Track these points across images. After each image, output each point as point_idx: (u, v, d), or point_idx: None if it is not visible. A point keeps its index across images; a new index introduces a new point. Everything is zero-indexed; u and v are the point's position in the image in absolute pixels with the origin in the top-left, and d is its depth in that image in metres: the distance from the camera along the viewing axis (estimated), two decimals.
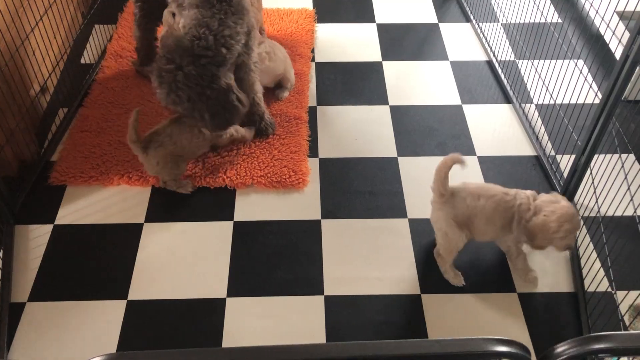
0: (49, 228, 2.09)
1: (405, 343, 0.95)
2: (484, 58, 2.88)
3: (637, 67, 1.77)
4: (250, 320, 1.85)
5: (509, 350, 0.96)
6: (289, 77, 2.59)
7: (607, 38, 2.75)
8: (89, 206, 2.17)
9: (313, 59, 2.84)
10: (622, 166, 1.91)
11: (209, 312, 1.87)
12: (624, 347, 0.96)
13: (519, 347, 0.97)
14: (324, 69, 2.79)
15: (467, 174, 2.20)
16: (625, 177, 1.88)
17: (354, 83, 2.72)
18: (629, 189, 1.83)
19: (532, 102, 2.61)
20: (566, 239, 1.80)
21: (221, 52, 1.92)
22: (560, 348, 0.98)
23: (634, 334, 0.97)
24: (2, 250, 1.98)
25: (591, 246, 2.02)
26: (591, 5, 2.42)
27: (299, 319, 1.86)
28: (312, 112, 2.57)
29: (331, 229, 2.12)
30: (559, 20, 3.06)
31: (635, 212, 1.85)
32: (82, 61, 2.79)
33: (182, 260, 2.01)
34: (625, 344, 0.96)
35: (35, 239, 2.06)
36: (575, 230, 1.79)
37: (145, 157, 2.07)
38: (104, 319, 1.84)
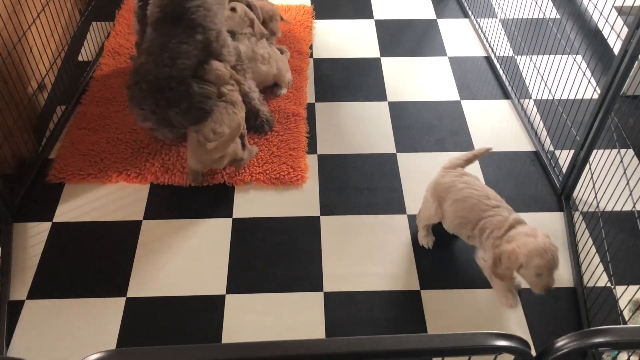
0: (47, 226, 2.09)
1: (405, 338, 0.95)
2: (483, 54, 2.88)
3: (636, 62, 1.77)
4: (249, 317, 1.85)
5: (509, 344, 0.96)
6: (283, 79, 2.57)
7: (605, 33, 2.74)
8: (87, 204, 2.16)
9: (311, 56, 2.84)
10: (621, 161, 1.92)
11: (208, 309, 1.87)
12: (623, 341, 0.96)
13: (519, 342, 0.97)
14: (322, 65, 2.79)
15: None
16: (624, 172, 1.88)
17: (353, 79, 2.72)
18: (627, 183, 1.83)
19: (530, 98, 2.61)
20: (543, 278, 1.66)
21: (163, 71, 2.03)
22: (560, 342, 0.98)
23: (634, 327, 0.97)
24: (0, 248, 1.97)
25: (590, 241, 2.02)
26: (589, 0, 2.42)
27: (298, 315, 1.86)
28: (311, 108, 2.57)
29: (330, 225, 2.11)
30: (558, 16, 3.06)
31: (634, 207, 1.85)
32: (80, 58, 2.78)
33: (181, 258, 2.00)
34: (624, 337, 0.96)
35: (34, 237, 2.05)
36: (548, 268, 1.65)
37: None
38: (103, 316, 1.84)
